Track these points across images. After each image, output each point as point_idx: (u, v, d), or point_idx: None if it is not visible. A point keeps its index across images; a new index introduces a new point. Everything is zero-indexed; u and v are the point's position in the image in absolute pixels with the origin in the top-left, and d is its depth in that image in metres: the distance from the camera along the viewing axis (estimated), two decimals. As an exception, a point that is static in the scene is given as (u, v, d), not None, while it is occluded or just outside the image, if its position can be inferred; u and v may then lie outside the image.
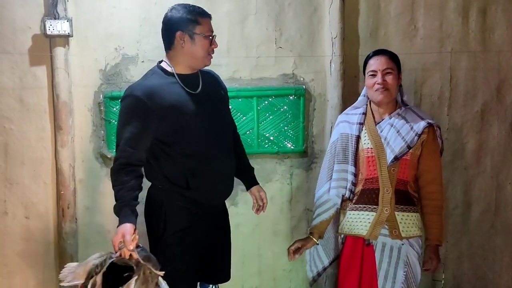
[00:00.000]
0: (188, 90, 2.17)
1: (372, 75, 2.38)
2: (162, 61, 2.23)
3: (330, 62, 2.88)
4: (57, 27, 2.64)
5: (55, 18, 2.65)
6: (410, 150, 2.34)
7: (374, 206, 2.35)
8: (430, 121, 2.37)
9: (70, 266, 2.13)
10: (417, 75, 2.95)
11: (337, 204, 2.46)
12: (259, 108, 2.90)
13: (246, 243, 2.97)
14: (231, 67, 2.86)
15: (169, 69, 2.19)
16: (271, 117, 2.92)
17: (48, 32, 2.64)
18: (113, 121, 2.75)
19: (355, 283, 2.41)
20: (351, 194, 2.41)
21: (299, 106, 2.92)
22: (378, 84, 2.35)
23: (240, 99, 2.86)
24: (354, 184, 2.41)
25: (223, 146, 2.26)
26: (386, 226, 2.34)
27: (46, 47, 2.71)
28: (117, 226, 2.07)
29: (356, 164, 2.41)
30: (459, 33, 2.94)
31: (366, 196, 2.38)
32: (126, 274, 2.03)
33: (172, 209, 2.21)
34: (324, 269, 2.59)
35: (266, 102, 2.90)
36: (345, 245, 2.46)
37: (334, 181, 2.46)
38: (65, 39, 2.69)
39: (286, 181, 2.98)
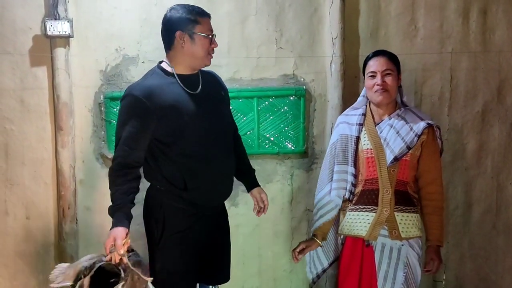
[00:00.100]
0: (188, 90, 2.17)
1: (371, 76, 2.38)
2: (162, 61, 2.23)
3: (331, 63, 2.89)
4: (57, 27, 2.64)
5: (55, 19, 2.65)
6: (410, 151, 2.34)
7: (374, 207, 2.35)
8: (429, 121, 2.37)
9: (61, 267, 2.14)
10: (417, 76, 2.95)
11: (339, 205, 2.46)
12: (259, 108, 2.90)
13: (247, 243, 2.97)
14: (232, 67, 2.86)
15: (169, 69, 2.19)
16: (271, 117, 2.92)
17: (49, 33, 2.65)
18: (114, 121, 2.75)
19: (355, 284, 2.40)
20: (351, 195, 2.41)
21: (300, 106, 2.92)
22: (377, 85, 2.35)
23: (240, 100, 2.87)
24: (354, 185, 2.41)
25: (222, 146, 2.25)
26: (385, 227, 2.34)
27: (46, 47, 2.71)
28: (110, 229, 2.08)
29: (355, 165, 2.41)
30: (459, 34, 2.94)
31: (366, 197, 2.38)
32: (113, 280, 2.03)
33: (170, 210, 2.20)
34: (324, 270, 2.59)
35: (267, 102, 2.91)
36: (345, 246, 2.46)
37: (334, 182, 2.46)
38: (65, 39, 2.70)
39: (287, 181, 2.98)
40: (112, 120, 2.77)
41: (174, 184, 2.17)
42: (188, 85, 2.18)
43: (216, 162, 2.21)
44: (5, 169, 2.76)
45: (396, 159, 2.32)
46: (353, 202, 2.41)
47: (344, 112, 2.57)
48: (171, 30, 2.14)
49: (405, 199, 2.36)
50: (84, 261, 2.11)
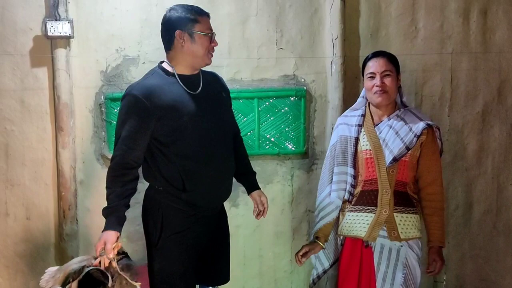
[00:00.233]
0: (188, 91, 2.17)
1: (370, 77, 2.37)
2: (163, 61, 2.23)
3: (331, 63, 2.89)
4: (58, 28, 2.64)
5: (56, 20, 2.65)
6: (409, 151, 2.33)
7: (373, 208, 2.35)
8: (429, 122, 2.36)
9: (51, 271, 2.14)
10: (417, 76, 2.95)
11: (339, 207, 2.45)
12: (260, 109, 2.90)
13: (247, 244, 2.97)
14: (232, 68, 2.86)
15: (169, 69, 2.19)
16: (272, 118, 2.92)
17: (49, 34, 2.65)
18: (114, 122, 2.73)
19: (354, 284, 2.40)
20: (350, 196, 2.41)
21: (300, 107, 2.92)
22: (376, 86, 2.34)
23: (241, 100, 2.87)
24: (353, 186, 2.41)
25: (222, 147, 2.24)
26: (384, 228, 2.33)
27: (47, 48, 2.71)
28: (102, 231, 2.09)
29: (355, 166, 2.40)
30: (460, 34, 2.94)
31: (365, 198, 2.37)
32: (100, 287, 2.02)
33: (169, 211, 2.19)
34: (324, 271, 2.58)
35: (267, 103, 2.91)
36: (344, 247, 2.45)
37: (334, 184, 2.46)
38: (66, 40, 2.70)
39: (287, 182, 2.98)
40: (112, 121, 2.77)
41: (172, 185, 2.17)
42: (189, 85, 2.18)
43: (215, 163, 2.20)
44: (6, 170, 2.76)
45: (395, 160, 2.32)
46: (353, 203, 2.40)
47: (344, 113, 2.57)
48: (170, 29, 2.14)
49: (404, 200, 2.35)
50: (74, 263, 2.10)
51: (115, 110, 2.76)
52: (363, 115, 2.44)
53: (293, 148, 2.96)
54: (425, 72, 2.95)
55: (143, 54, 2.79)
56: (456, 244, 3.06)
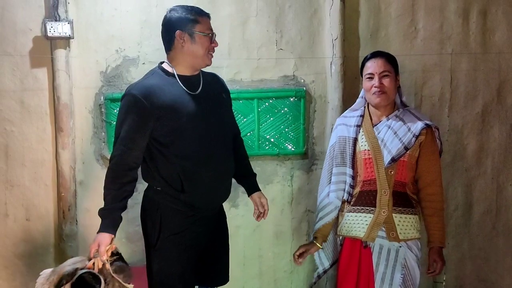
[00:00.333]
0: (188, 91, 2.16)
1: (369, 78, 2.37)
2: (163, 62, 2.23)
3: (331, 64, 2.89)
4: (58, 29, 2.64)
5: (56, 20, 2.65)
6: (408, 152, 2.32)
7: (372, 208, 2.34)
8: (428, 122, 2.36)
9: (45, 273, 2.14)
10: (417, 77, 2.95)
11: (338, 207, 2.45)
12: (259, 109, 2.90)
13: (247, 244, 2.97)
14: (232, 69, 2.86)
15: (169, 69, 2.19)
16: (271, 118, 2.92)
17: (49, 34, 2.64)
18: (114, 123, 2.73)
19: (353, 285, 2.40)
20: (349, 196, 2.41)
21: (300, 107, 2.92)
22: (375, 87, 2.33)
23: (241, 101, 2.87)
24: (352, 186, 2.41)
25: (221, 148, 2.24)
26: (383, 228, 2.33)
27: (47, 49, 2.71)
28: (97, 232, 2.10)
29: (353, 166, 2.40)
30: (459, 35, 2.94)
31: (364, 198, 2.37)
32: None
33: (167, 211, 2.19)
34: (325, 271, 2.59)
35: (267, 103, 2.91)
36: (343, 247, 2.45)
37: (333, 184, 2.46)
38: (66, 41, 2.70)
39: (287, 182, 2.98)
40: (112, 122, 2.77)
41: (171, 185, 2.16)
42: (189, 86, 2.18)
43: (214, 163, 2.20)
44: (5, 171, 2.76)
45: (393, 160, 2.32)
46: (352, 203, 2.40)
47: (343, 114, 2.57)
48: (171, 30, 2.14)
49: (403, 200, 2.35)
50: (67, 265, 2.10)
51: (115, 110, 2.75)
52: (362, 116, 2.44)
53: (292, 149, 2.96)
54: (425, 73, 2.95)
55: (143, 55, 2.79)
56: (456, 245, 3.06)
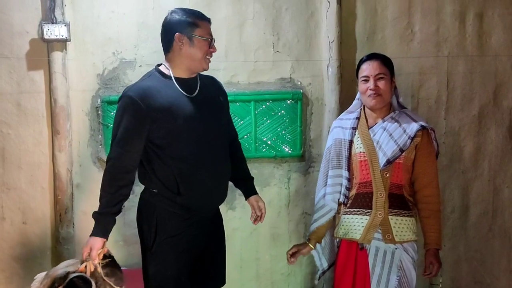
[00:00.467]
0: (184, 93, 2.16)
1: (364, 80, 2.36)
2: (161, 64, 2.23)
3: (328, 66, 2.89)
4: (54, 31, 2.64)
5: (52, 23, 2.65)
6: (403, 154, 2.32)
7: (368, 210, 2.34)
8: (423, 123, 2.35)
9: (39, 277, 2.15)
10: (414, 79, 2.96)
11: (334, 209, 2.45)
12: (256, 112, 2.90)
13: (244, 247, 2.97)
14: (229, 71, 2.86)
15: (166, 71, 2.18)
16: (268, 121, 2.93)
17: (46, 37, 2.64)
18: (111, 125, 2.73)
19: (349, 287, 2.40)
20: (345, 199, 2.41)
21: (297, 110, 2.93)
22: (370, 89, 2.33)
23: (237, 103, 2.87)
24: (348, 189, 2.41)
25: (217, 151, 2.23)
26: (379, 230, 2.33)
27: (43, 51, 2.71)
28: (90, 235, 2.11)
29: (349, 168, 2.40)
30: (456, 37, 2.95)
31: (360, 200, 2.37)
32: None
33: (164, 214, 2.18)
34: (323, 272, 2.59)
35: (264, 106, 2.91)
36: (340, 249, 2.45)
37: (329, 187, 2.46)
38: (62, 43, 2.70)
39: (284, 185, 2.98)
40: (109, 124, 2.77)
41: (167, 188, 2.15)
42: (186, 88, 2.17)
43: (210, 166, 2.19)
44: (2, 174, 2.75)
45: (389, 162, 2.31)
46: (348, 205, 2.40)
47: (339, 117, 2.57)
48: (170, 32, 2.14)
49: (400, 202, 2.35)
50: (60, 268, 2.11)
51: (112, 113, 2.76)
52: (358, 118, 2.44)
53: (289, 151, 2.96)
54: (421, 75, 2.96)
55: (140, 57, 2.79)
56: (452, 247, 3.06)
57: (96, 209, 2.14)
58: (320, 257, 2.58)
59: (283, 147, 2.96)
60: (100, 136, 2.81)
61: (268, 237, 3.00)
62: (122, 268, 2.23)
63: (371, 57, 2.41)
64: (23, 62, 2.71)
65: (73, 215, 2.80)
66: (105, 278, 2.06)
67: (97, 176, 2.79)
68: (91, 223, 2.82)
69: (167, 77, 2.17)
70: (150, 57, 2.73)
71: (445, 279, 3.03)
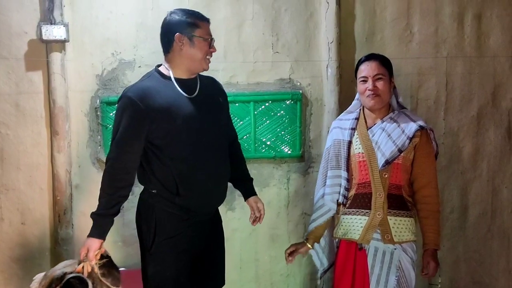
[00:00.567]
0: (184, 94, 2.16)
1: (363, 81, 2.36)
2: (160, 65, 2.23)
3: (327, 67, 2.89)
4: (53, 32, 2.64)
5: (51, 23, 2.65)
6: (402, 154, 2.32)
7: (367, 211, 2.34)
8: (422, 124, 2.35)
9: (38, 277, 2.16)
10: (413, 80, 2.96)
11: (333, 209, 2.45)
12: (256, 113, 2.90)
13: (243, 248, 2.97)
14: (228, 72, 2.86)
15: (166, 72, 2.18)
16: (268, 121, 2.93)
17: (44, 37, 2.64)
18: (110, 126, 2.74)
19: (348, 287, 2.40)
20: (344, 199, 2.41)
21: (296, 110, 2.93)
22: (369, 90, 2.34)
23: (237, 104, 2.87)
24: (347, 189, 2.41)
25: (217, 152, 2.23)
26: (378, 231, 2.33)
27: (42, 52, 2.70)
28: (87, 236, 2.12)
29: (348, 169, 2.40)
30: (454, 39, 2.95)
31: (359, 201, 2.37)
32: None
33: (162, 215, 2.18)
34: (325, 271, 2.60)
35: (263, 106, 2.91)
36: (339, 250, 2.45)
37: (328, 187, 2.46)
38: (61, 44, 2.69)
39: (283, 185, 2.98)
40: (108, 125, 2.77)
41: (166, 189, 2.15)
42: (185, 89, 2.17)
43: (209, 167, 2.19)
44: (0, 174, 2.75)
45: (387, 163, 2.31)
46: (347, 205, 2.40)
47: (338, 117, 2.57)
48: (170, 32, 2.13)
49: (399, 203, 2.35)
50: (58, 269, 2.12)
51: (111, 114, 2.75)
52: (357, 119, 2.44)
53: (289, 152, 2.96)
54: (420, 76, 2.96)
55: (139, 58, 2.79)
56: (451, 247, 3.07)
57: (92, 211, 2.13)
58: (321, 257, 2.58)
59: (283, 147, 2.96)
60: (99, 137, 2.81)
61: (268, 237, 3.00)
62: (120, 268, 2.23)
63: (370, 57, 2.41)
64: (21, 62, 2.71)
65: (72, 216, 2.79)
66: (102, 279, 2.07)
67: (96, 177, 2.79)
68: (90, 224, 2.81)
69: (167, 77, 2.17)
70: (149, 58, 2.73)
71: (444, 279, 3.04)
